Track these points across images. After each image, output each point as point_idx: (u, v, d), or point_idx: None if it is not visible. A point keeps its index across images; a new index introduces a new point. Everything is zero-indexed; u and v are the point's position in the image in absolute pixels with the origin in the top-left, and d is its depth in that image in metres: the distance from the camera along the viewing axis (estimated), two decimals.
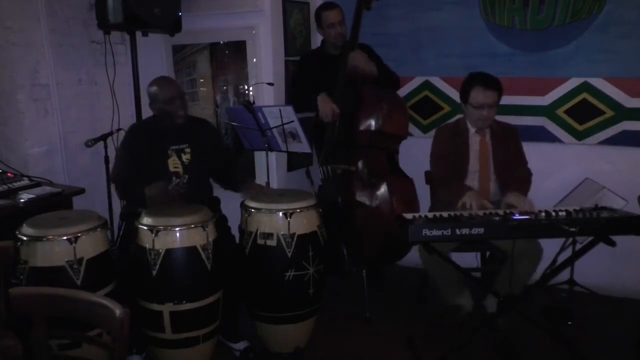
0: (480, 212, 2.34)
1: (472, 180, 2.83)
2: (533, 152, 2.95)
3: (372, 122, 3.15)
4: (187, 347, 2.44)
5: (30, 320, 1.56)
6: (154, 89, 2.68)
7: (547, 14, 3.18)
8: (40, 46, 3.23)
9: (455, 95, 3.50)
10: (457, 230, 2.18)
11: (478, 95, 2.70)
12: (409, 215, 2.31)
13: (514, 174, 2.77)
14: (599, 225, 2.22)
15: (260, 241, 2.57)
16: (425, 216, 2.33)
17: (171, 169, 2.72)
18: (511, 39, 3.28)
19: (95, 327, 2.03)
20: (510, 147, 2.84)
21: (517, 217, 2.27)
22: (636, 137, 3.10)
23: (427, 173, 3.13)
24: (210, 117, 3.68)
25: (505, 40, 3.30)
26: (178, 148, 2.73)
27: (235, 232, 2.78)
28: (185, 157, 2.74)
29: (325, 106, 3.10)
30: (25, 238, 2.21)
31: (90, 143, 3.06)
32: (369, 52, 3.28)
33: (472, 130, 2.84)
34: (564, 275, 2.96)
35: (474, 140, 2.84)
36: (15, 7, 3.10)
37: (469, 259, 3.08)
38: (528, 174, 2.82)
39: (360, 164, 3.20)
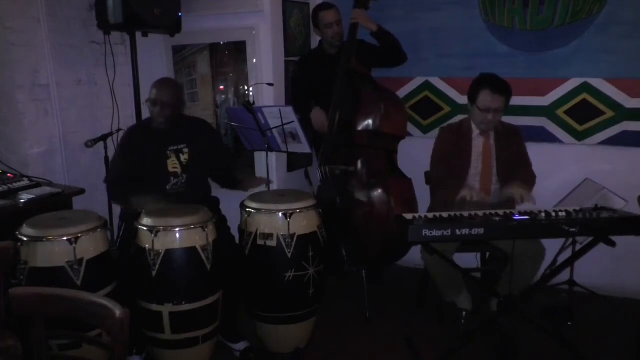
0: (480, 213, 2.34)
1: (474, 182, 2.81)
2: (533, 152, 2.94)
3: (370, 123, 3.15)
4: (187, 347, 2.44)
5: (30, 320, 1.56)
6: (151, 87, 2.69)
7: (547, 14, 3.17)
8: (40, 46, 3.23)
9: (455, 95, 3.51)
10: (457, 231, 2.17)
11: (486, 98, 2.66)
12: (409, 216, 2.31)
13: (519, 176, 2.71)
14: (599, 225, 2.22)
15: (260, 242, 2.57)
16: (425, 216, 2.33)
17: (170, 169, 2.73)
18: (511, 40, 3.28)
19: (95, 328, 2.03)
20: (514, 149, 2.80)
21: (517, 217, 2.27)
22: (636, 137, 3.10)
23: (427, 173, 3.12)
24: (210, 117, 3.69)
25: (506, 40, 3.30)
26: (176, 149, 2.74)
27: (235, 232, 2.78)
28: (184, 158, 2.75)
29: (315, 117, 3.22)
30: (25, 238, 2.21)
31: (90, 143, 3.07)
32: (363, 46, 3.28)
33: (475, 131, 2.80)
34: (564, 275, 2.96)
35: (477, 142, 2.81)
36: (15, 7, 3.10)
37: (469, 260, 3.08)
38: (532, 177, 2.79)
39: (359, 165, 3.20)
